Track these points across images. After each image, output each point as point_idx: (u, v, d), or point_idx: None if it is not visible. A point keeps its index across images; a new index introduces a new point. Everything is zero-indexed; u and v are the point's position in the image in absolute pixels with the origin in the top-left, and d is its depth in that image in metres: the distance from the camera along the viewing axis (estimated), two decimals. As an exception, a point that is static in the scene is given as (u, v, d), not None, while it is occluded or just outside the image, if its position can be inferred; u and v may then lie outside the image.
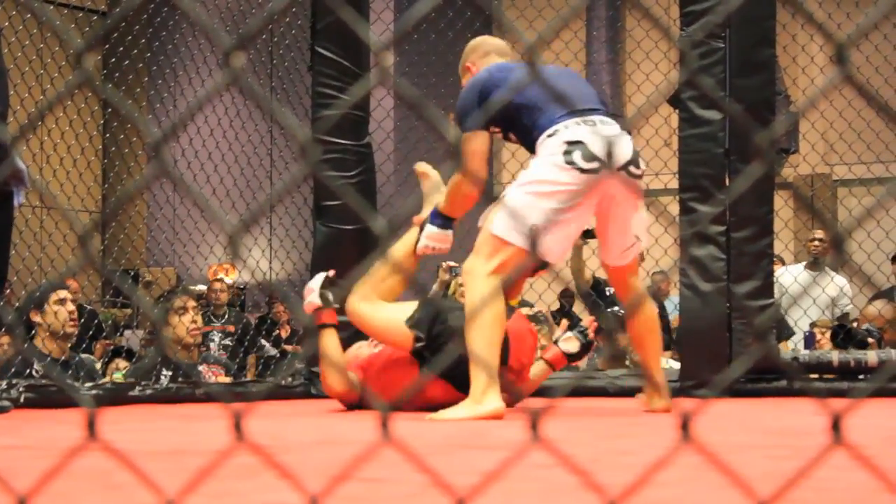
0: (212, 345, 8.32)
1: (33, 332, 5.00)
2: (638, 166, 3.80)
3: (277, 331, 9.17)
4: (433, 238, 4.13)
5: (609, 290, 6.81)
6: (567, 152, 3.66)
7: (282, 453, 2.28)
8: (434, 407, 3.81)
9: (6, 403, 4.05)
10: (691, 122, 5.17)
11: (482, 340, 3.61)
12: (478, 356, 3.65)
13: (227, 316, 8.57)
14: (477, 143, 3.80)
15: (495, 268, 3.70)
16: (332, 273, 4.34)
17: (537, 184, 3.69)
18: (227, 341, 8.26)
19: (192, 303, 5.57)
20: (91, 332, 6.68)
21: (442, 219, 4.10)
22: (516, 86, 3.92)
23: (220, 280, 8.72)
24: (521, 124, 3.84)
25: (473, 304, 3.76)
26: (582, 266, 7.02)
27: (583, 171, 3.64)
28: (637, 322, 4.03)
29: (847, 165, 8.42)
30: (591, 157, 3.65)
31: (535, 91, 3.78)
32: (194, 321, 5.49)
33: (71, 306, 5.12)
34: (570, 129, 3.71)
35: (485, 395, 3.60)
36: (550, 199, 3.66)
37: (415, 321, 4.18)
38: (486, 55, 4.13)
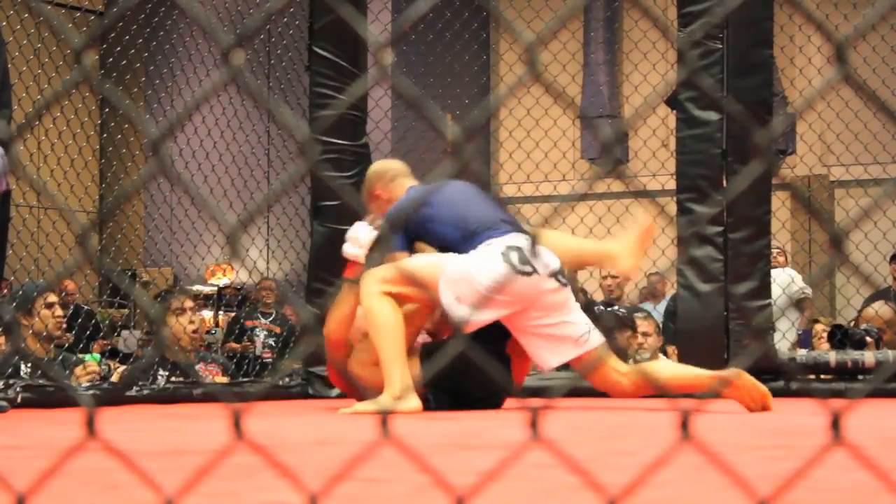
0: (256, 340, 8.40)
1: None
2: (563, 276, 4.08)
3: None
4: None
5: (598, 308, 6.83)
6: (504, 253, 3.98)
7: (280, 453, 2.28)
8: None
9: (3, 403, 4.04)
10: (689, 123, 5.17)
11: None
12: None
13: (274, 316, 8.62)
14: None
15: (392, 293, 4.00)
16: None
17: (477, 263, 3.99)
18: (272, 341, 8.32)
19: (189, 303, 5.56)
20: (88, 333, 6.69)
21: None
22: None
23: (269, 279, 8.79)
24: (447, 238, 4.15)
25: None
26: (575, 288, 7.07)
27: (516, 270, 3.96)
28: (665, 388, 4.16)
29: (844, 166, 8.42)
30: (525, 261, 3.98)
31: (455, 209, 4.16)
32: (192, 321, 5.48)
33: (59, 311, 5.13)
34: (507, 237, 4.05)
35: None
36: (482, 280, 3.95)
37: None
38: (393, 179, 4.37)
